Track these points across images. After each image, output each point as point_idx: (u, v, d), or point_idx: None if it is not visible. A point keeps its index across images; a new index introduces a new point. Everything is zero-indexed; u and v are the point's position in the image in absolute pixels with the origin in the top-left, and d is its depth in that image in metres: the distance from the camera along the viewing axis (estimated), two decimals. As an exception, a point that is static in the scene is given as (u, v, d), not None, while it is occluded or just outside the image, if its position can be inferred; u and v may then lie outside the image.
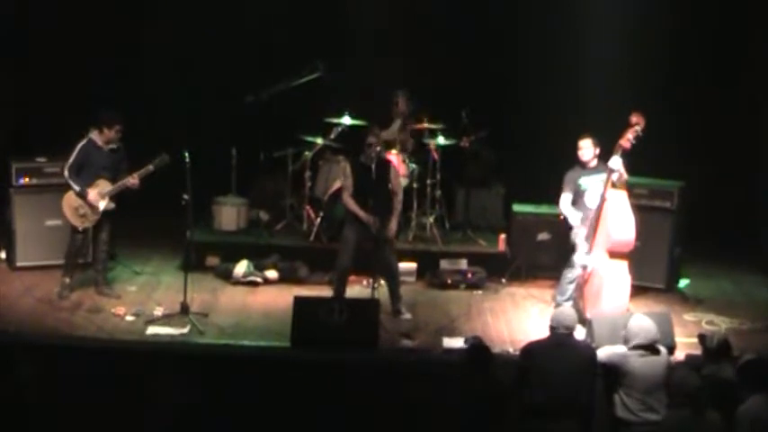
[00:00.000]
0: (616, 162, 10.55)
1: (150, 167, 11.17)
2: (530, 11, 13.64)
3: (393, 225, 11.16)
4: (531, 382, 8.75)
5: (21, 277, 11.86)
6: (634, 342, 8.83)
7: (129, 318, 10.83)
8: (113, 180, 11.21)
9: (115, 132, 11.17)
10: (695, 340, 9.46)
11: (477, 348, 9.04)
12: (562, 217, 11.13)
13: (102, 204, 11.20)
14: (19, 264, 12.09)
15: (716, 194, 13.19)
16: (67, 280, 11.39)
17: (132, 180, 11.18)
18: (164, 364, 9.84)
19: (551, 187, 11.36)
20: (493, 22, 13.67)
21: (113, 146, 11.24)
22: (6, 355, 9.40)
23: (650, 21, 13.28)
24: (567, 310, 9.44)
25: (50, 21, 13.58)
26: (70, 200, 11.24)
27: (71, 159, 11.17)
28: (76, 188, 11.16)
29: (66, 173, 11.20)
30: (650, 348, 8.84)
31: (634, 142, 10.56)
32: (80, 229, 11.29)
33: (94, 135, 11.21)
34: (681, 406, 8.30)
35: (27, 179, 11.88)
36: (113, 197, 11.24)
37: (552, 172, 11.35)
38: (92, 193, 11.16)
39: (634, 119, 10.59)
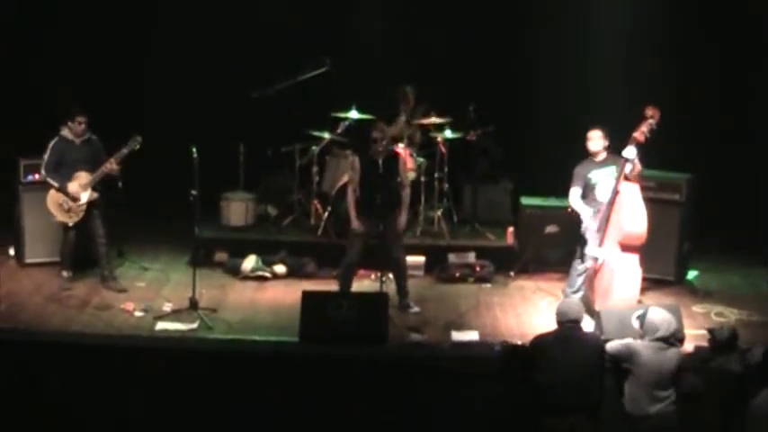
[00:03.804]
0: (631, 152, 10.50)
1: (125, 150, 11.31)
2: (539, 6, 13.61)
3: (403, 219, 11.16)
4: (540, 376, 8.75)
5: (29, 274, 11.92)
6: (656, 335, 8.80)
7: (138, 314, 10.85)
8: (92, 171, 11.32)
9: (78, 124, 11.31)
10: (704, 332, 9.46)
11: (514, 353, 9.12)
12: (570, 210, 11.11)
13: (85, 196, 11.29)
14: (27, 260, 12.15)
15: (726, 187, 13.16)
16: (66, 274, 11.53)
17: (109, 165, 11.31)
18: (173, 360, 9.85)
19: (559, 181, 11.34)
20: (502, 16, 13.64)
21: (85, 137, 11.37)
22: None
23: (659, 15, 13.23)
24: (572, 301, 9.42)
25: (57, 15, 13.59)
26: (53, 197, 11.37)
27: (46, 158, 11.35)
28: (56, 184, 11.31)
29: (43, 172, 11.38)
30: (667, 341, 8.83)
31: (648, 135, 10.52)
32: (70, 224, 11.38)
33: (64, 131, 11.37)
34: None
35: (36, 176, 11.88)
36: (96, 187, 11.34)
37: (560, 166, 11.32)
38: (72, 186, 11.27)
39: (649, 112, 10.56)
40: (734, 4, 13.25)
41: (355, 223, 11.04)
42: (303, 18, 13.67)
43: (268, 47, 13.66)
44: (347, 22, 13.79)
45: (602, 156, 10.90)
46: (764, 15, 13.02)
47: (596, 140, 10.89)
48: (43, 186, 11.49)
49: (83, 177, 11.32)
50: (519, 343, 9.75)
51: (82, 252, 11.60)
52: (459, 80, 13.50)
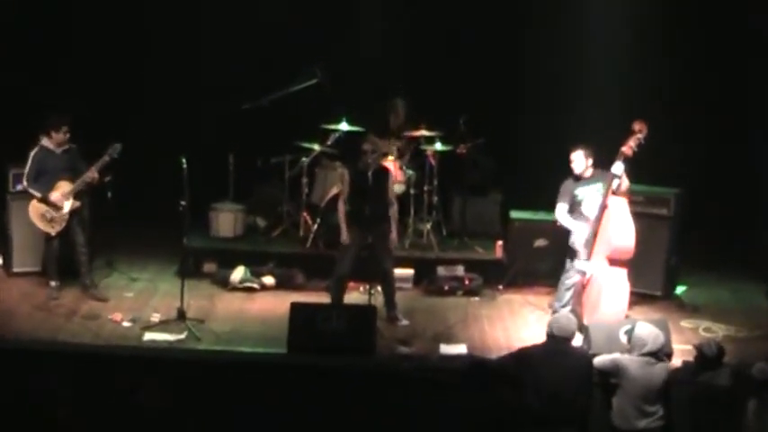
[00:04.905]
0: (618, 167, 10.52)
1: (106, 158, 11.30)
2: (530, 17, 13.62)
3: (394, 234, 11.19)
4: (526, 389, 8.75)
5: (17, 283, 11.89)
6: (644, 350, 8.82)
7: (126, 324, 10.82)
8: (74, 180, 11.30)
9: (63, 134, 11.31)
10: (691, 347, 9.45)
11: (476, 368, 9.09)
12: (558, 223, 11.11)
13: (68, 205, 11.29)
14: (16, 270, 12.12)
15: (714, 201, 13.16)
16: (53, 283, 11.50)
17: (91, 174, 11.30)
18: (161, 370, 9.83)
19: (548, 194, 11.34)
20: (493, 28, 13.64)
21: (65, 147, 11.36)
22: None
23: (651, 27, 13.25)
24: (565, 316, 9.42)
25: (49, 22, 13.58)
26: (35, 207, 11.36)
27: (27, 168, 11.33)
28: (38, 194, 11.29)
29: (24, 182, 11.36)
30: (655, 356, 8.85)
31: (636, 150, 10.54)
32: (52, 234, 11.36)
33: (44, 141, 11.35)
34: None
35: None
36: (77, 196, 11.32)
37: (550, 179, 11.32)
38: (54, 195, 11.26)
39: (637, 126, 10.57)
40: (734, 4, 13.24)
41: (345, 236, 11.04)
42: (303, 18, 13.64)
43: (268, 47, 13.63)
44: (347, 22, 13.76)
45: (589, 173, 10.89)
46: (764, 15, 13.03)
47: (579, 161, 10.84)
48: (31, 196, 11.46)
49: (64, 186, 11.31)
50: (485, 357, 9.76)
51: (67, 261, 11.56)
52: (459, 81, 13.47)
